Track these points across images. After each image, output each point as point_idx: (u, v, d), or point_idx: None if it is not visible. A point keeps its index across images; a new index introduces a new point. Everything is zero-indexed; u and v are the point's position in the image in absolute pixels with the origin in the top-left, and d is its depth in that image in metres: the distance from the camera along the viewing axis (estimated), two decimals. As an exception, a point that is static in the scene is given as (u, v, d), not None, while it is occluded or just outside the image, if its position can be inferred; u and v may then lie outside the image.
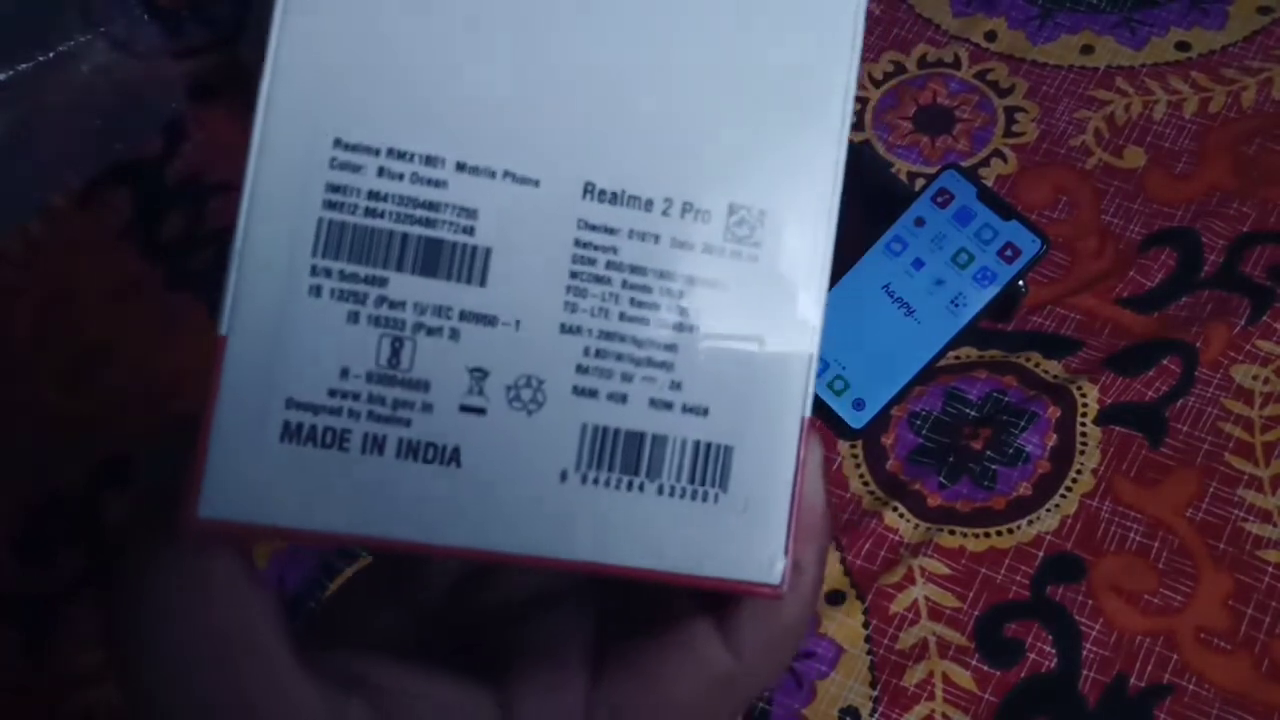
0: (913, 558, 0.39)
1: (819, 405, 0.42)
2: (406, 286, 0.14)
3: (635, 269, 0.15)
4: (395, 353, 0.14)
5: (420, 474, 0.14)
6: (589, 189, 0.15)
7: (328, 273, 0.14)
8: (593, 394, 0.15)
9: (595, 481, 0.15)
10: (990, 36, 0.51)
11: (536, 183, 0.15)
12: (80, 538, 0.41)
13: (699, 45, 0.15)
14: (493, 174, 0.15)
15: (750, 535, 0.15)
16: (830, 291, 0.16)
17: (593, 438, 0.15)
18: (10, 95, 0.45)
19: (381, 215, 0.14)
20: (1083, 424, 0.41)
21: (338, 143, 0.14)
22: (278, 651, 0.15)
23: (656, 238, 0.15)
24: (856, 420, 0.41)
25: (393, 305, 0.14)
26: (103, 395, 0.43)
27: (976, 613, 0.38)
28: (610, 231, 0.15)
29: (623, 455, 0.15)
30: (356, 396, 0.14)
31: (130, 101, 0.48)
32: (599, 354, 0.15)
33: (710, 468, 0.15)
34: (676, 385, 0.15)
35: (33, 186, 0.47)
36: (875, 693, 0.37)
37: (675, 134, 0.15)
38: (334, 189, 0.14)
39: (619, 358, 0.15)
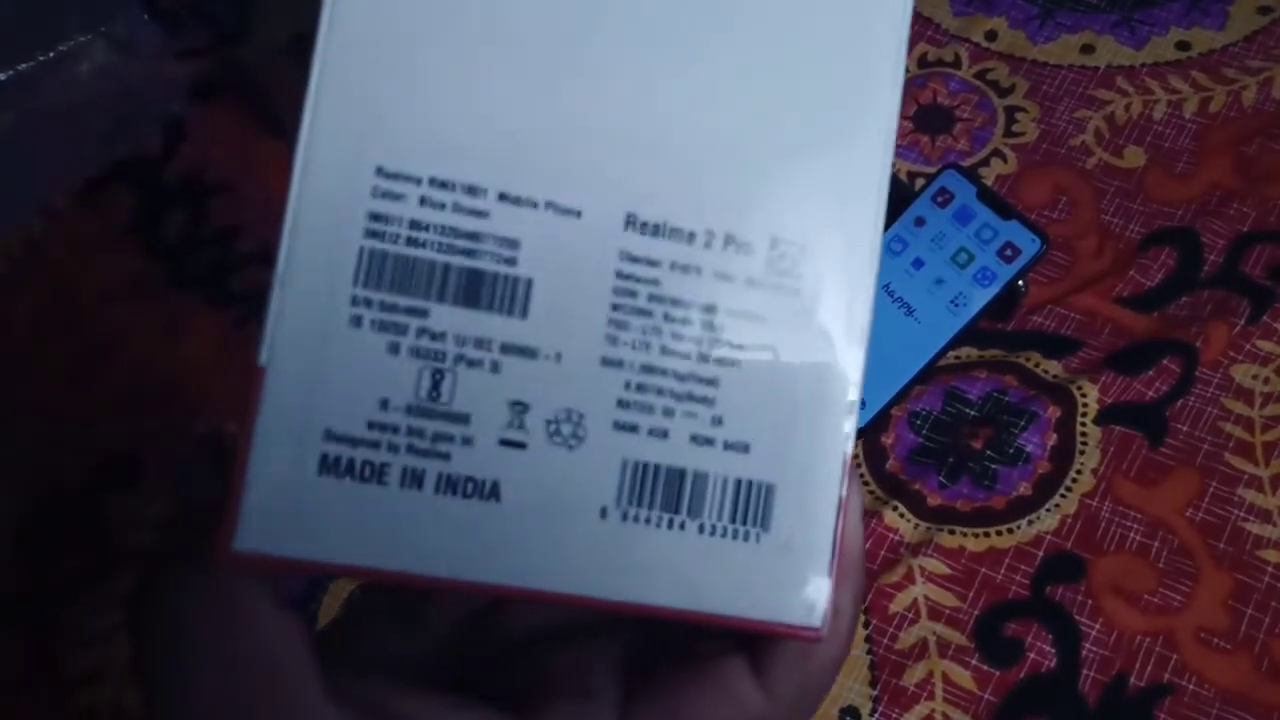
0: (913, 557, 0.39)
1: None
2: (447, 317, 0.14)
3: (677, 302, 0.15)
4: (436, 385, 0.14)
5: (459, 509, 0.14)
6: (631, 220, 0.15)
7: (369, 303, 0.14)
8: (634, 429, 0.15)
9: (635, 519, 0.15)
10: (990, 36, 0.51)
11: (579, 213, 0.15)
12: (82, 538, 0.41)
13: (742, 76, 0.15)
14: (535, 204, 0.15)
15: (792, 577, 0.15)
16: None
17: (633, 474, 0.15)
18: (11, 95, 0.45)
19: (423, 245, 0.14)
20: (1083, 424, 0.41)
21: (380, 171, 0.14)
22: (309, 684, 0.15)
23: (699, 270, 0.15)
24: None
25: (434, 337, 0.14)
26: (104, 395, 0.44)
27: (976, 612, 0.38)
28: (652, 264, 0.15)
29: (664, 492, 0.15)
30: (396, 429, 0.14)
31: (131, 101, 0.48)
32: (640, 388, 0.15)
33: (752, 506, 0.15)
34: (718, 421, 0.15)
35: (33, 186, 0.47)
36: (875, 692, 0.37)
37: (717, 165, 0.15)
38: (376, 218, 0.14)
39: (660, 392, 0.15)
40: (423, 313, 0.14)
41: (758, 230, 0.15)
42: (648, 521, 0.15)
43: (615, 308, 0.15)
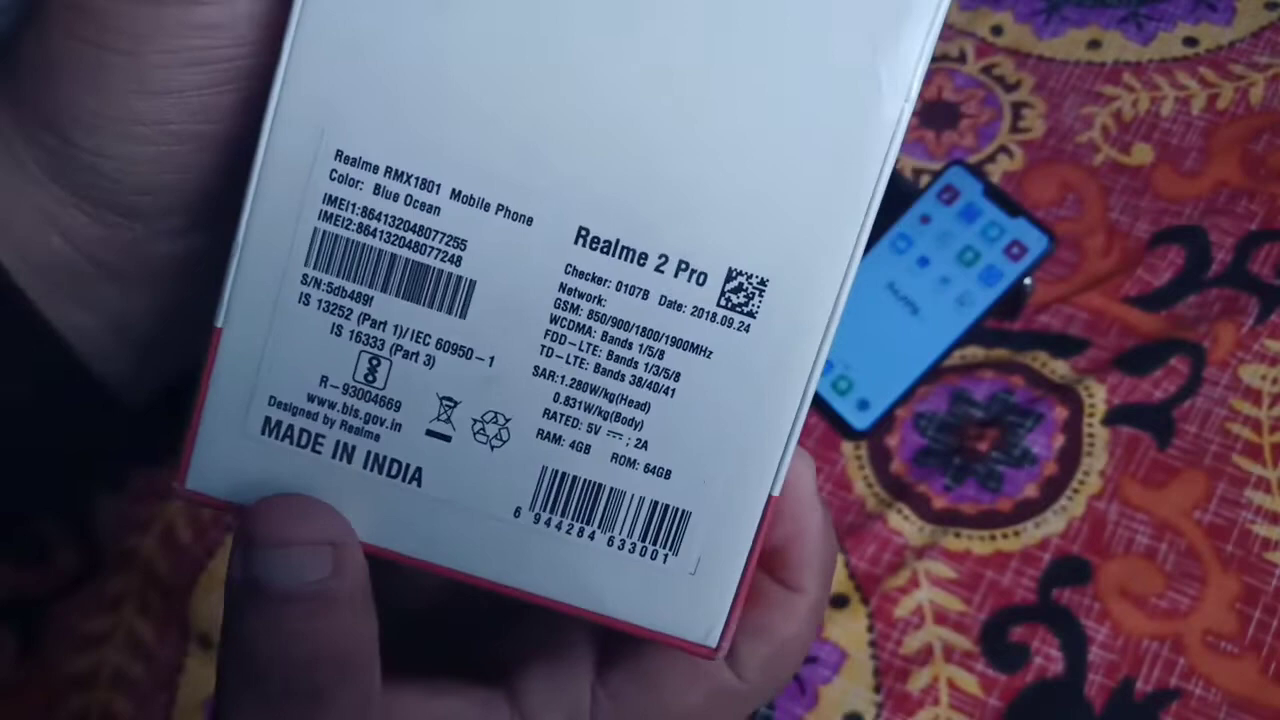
0: (917, 561, 0.38)
1: (823, 405, 0.41)
2: (389, 308, 0.15)
3: (619, 322, 0.15)
4: (372, 370, 0.15)
5: (383, 486, 0.15)
6: (582, 234, 0.15)
7: (317, 283, 0.15)
8: (557, 439, 0.15)
9: (548, 523, 0.15)
10: (996, 31, 0.50)
11: (529, 220, 0.15)
12: (73, 539, 0.40)
13: (724, 97, 0.14)
14: (487, 206, 0.15)
15: (694, 599, 0.16)
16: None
17: (550, 481, 0.15)
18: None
19: (373, 233, 0.15)
20: (1090, 425, 0.40)
21: (339, 154, 0.14)
22: (375, 673, 0.16)
23: (646, 293, 0.15)
24: (861, 421, 0.41)
25: (374, 324, 0.15)
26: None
27: (982, 616, 0.37)
28: (598, 281, 0.15)
29: (578, 503, 0.15)
30: (333, 405, 0.15)
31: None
32: (569, 401, 0.15)
33: (664, 529, 0.15)
34: (642, 444, 0.15)
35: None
36: (879, 698, 0.36)
37: (682, 187, 0.14)
38: (331, 200, 0.14)
39: (588, 408, 0.15)
40: (367, 299, 0.15)
41: (715, 259, 0.15)
42: (559, 527, 0.15)
43: (554, 320, 0.15)
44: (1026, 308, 0.42)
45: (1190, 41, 0.49)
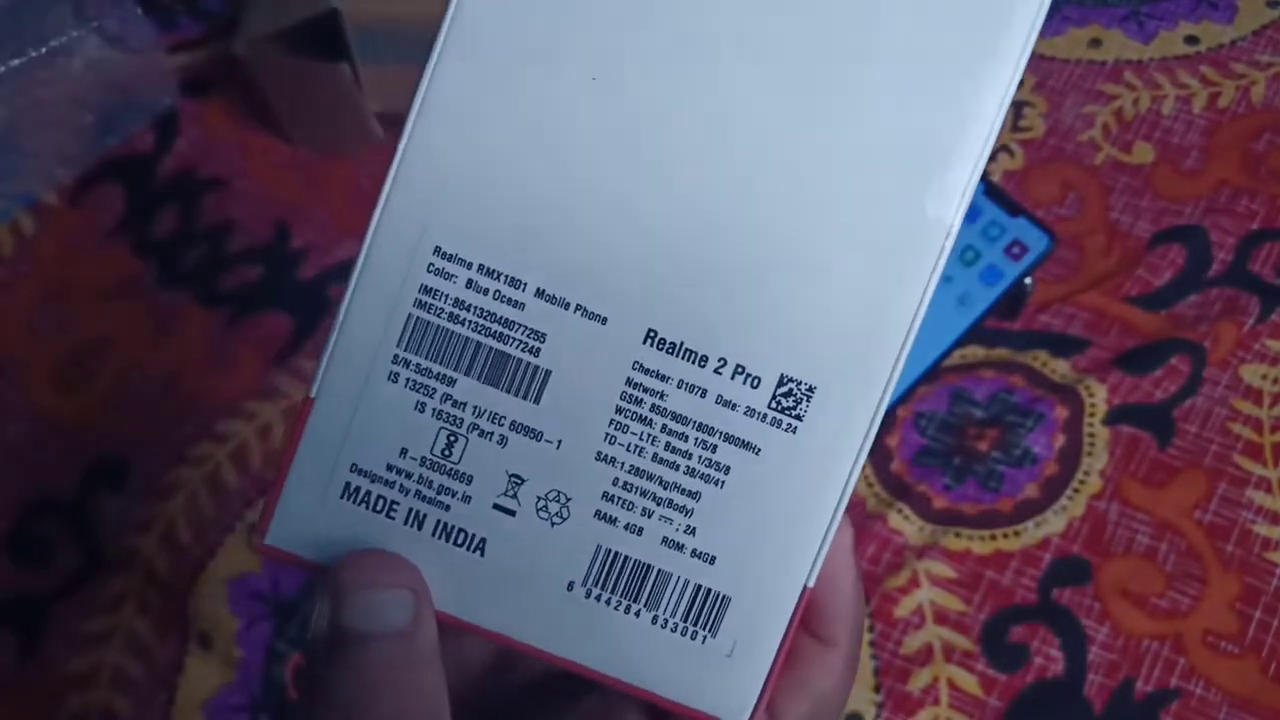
0: (918, 561, 0.38)
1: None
2: (470, 390, 0.16)
3: (678, 417, 0.16)
4: (449, 445, 0.16)
5: (449, 554, 0.16)
6: (650, 335, 0.16)
7: (407, 364, 0.16)
8: (613, 520, 0.16)
9: (598, 599, 0.16)
10: (996, 30, 0.50)
11: (604, 320, 0.16)
12: (73, 538, 0.40)
13: (789, 222, 0.16)
14: (567, 305, 0.16)
15: (728, 679, 0.16)
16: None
17: (604, 560, 0.16)
18: (1, 90, 0.45)
19: (462, 323, 0.16)
20: (1090, 424, 0.40)
21: (437, 250, 0.16)
22: None
23: (704, 392, 0.16)
24: (860, 420, 0.41)
25: (456, 404, 0.16)
26: (95, 394, 0.43)
27: (983, 616, 0.37)
28: (662, 378, 0.16)
29: (627, 581, 0.16)
30: (409, 475, 0.16)
31: (122, 96, 0.47)
32: (626, 486, 0.16)
33: (705, 612, 0.16)
34: (691, 530, 0.16)
35: (24, 182, 0.47)
36: (879, 698, 0.36)
37: (745, 298, 0.16)
38: (426, 291, 0.16)
39: (644, 494, 0.16)
40: (451, 381, 0.16)
41: (769, 366, 0.16)
42: (608, 603, 0.16)
43: (619, 410, 0.16)
44: (1027, 307, 0.42)
45: (1191, 40, 0.49)
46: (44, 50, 0.46)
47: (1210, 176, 0.45)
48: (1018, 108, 0.48)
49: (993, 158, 0.47)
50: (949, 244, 0.16)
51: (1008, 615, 0.37)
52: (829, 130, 0.16)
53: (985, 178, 0.43)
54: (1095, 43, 0.49)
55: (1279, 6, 0.49)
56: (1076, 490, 0.39)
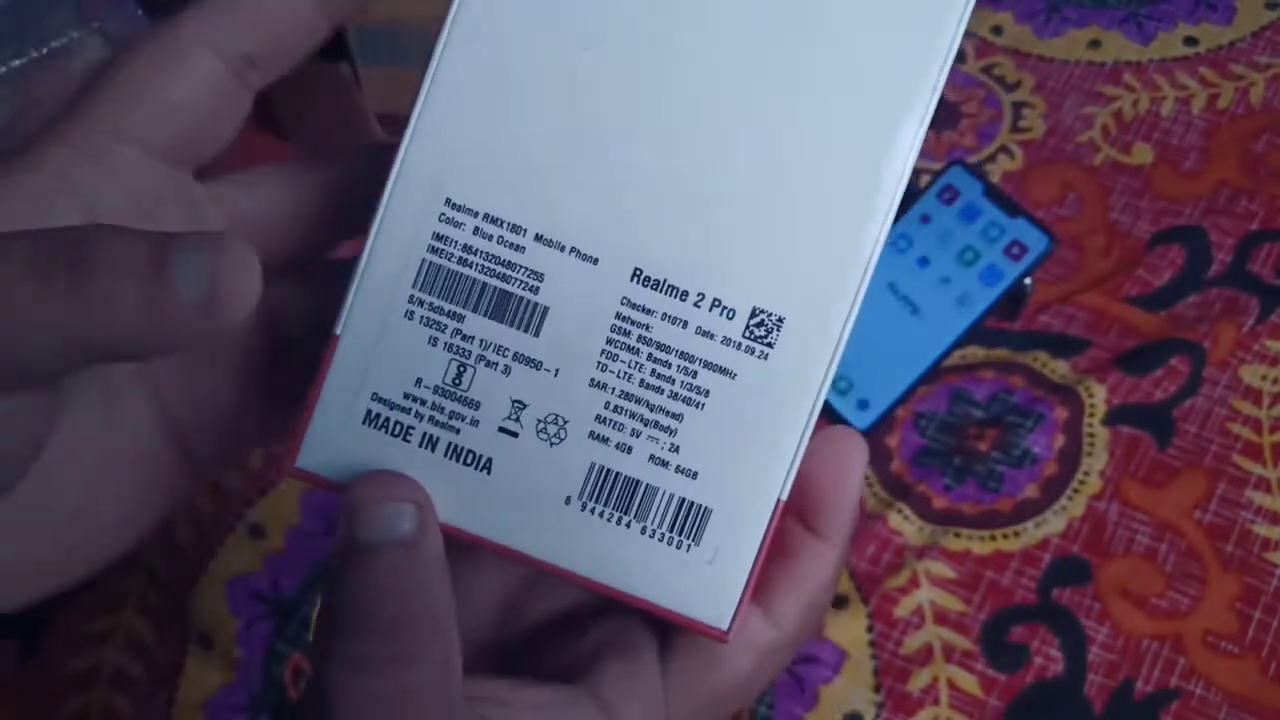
0: (917, 561, 0.38)
1: (823, 406, 0.41)
2: (478, 325, 0.18)
3: (662, 346, 0.18)
4: (459, 375, 0.18)
5: (459, 473, 0.18)
6: (637, 273, 0.18)
7: (421, 303, 0.18)
8: (605, 440, 0.18)
9: (592, 511, 0.18)
10: (997, 30, 0.50)
11: (595, 261, 0.18)
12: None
13: (759, 171, 0.18)
14: (562, 248, 0.18)
15: (711, 585, 0.18)
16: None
17: (597, 476, 0.18)
18: (3, 91, 0.45)
19: (470, 265, 0.18)
20: (1090, 425, 0.40)
21: (448, 202, 0.18)
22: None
23: (685, 323, 0.18)
24: (861, 421, 0.41)
25: (464, 338, 0.18)
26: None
27: (982, 617, 0.37)
28: (647, 312, 0.18)
29: (618, 495, 0.18)
30: (424, 402, 0.18)
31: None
32: (617, 409, 0.18)
33: (689, 522, 0.18)
34: (675, 448, 0.18)
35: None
36: (879, 698, 0.36)
37: (720, 240, 0.18)
38: (439, 238, 0.18)
39: (633, 416, 0.18)
40: (460, 318, 0.18)
41: (743, 299, 0.18)
42: (601, 516, 0.18)
43: (610, 341, 0.18)
44: (1026, 308, 0.42)
45: (1190, 41, 0.49)
46: (45, 51, 0.46)
47: (1209, 177, 0.45)
48: (1017, 109, 0.48)
49: (992, 158, 0.47)
50: (899, 192, 0.18)
51: (1008, 615, 0.37)
52: (796, 93, 0.18)
53: (985, 178, 0.43)
54: (1094, 44, 0.49)
55: (1278, 8, 0.49)
56: (1076, 490, 0.39)
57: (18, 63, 0.45)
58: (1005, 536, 0.39)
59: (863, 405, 0.41)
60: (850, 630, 0.37)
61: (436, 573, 0.17)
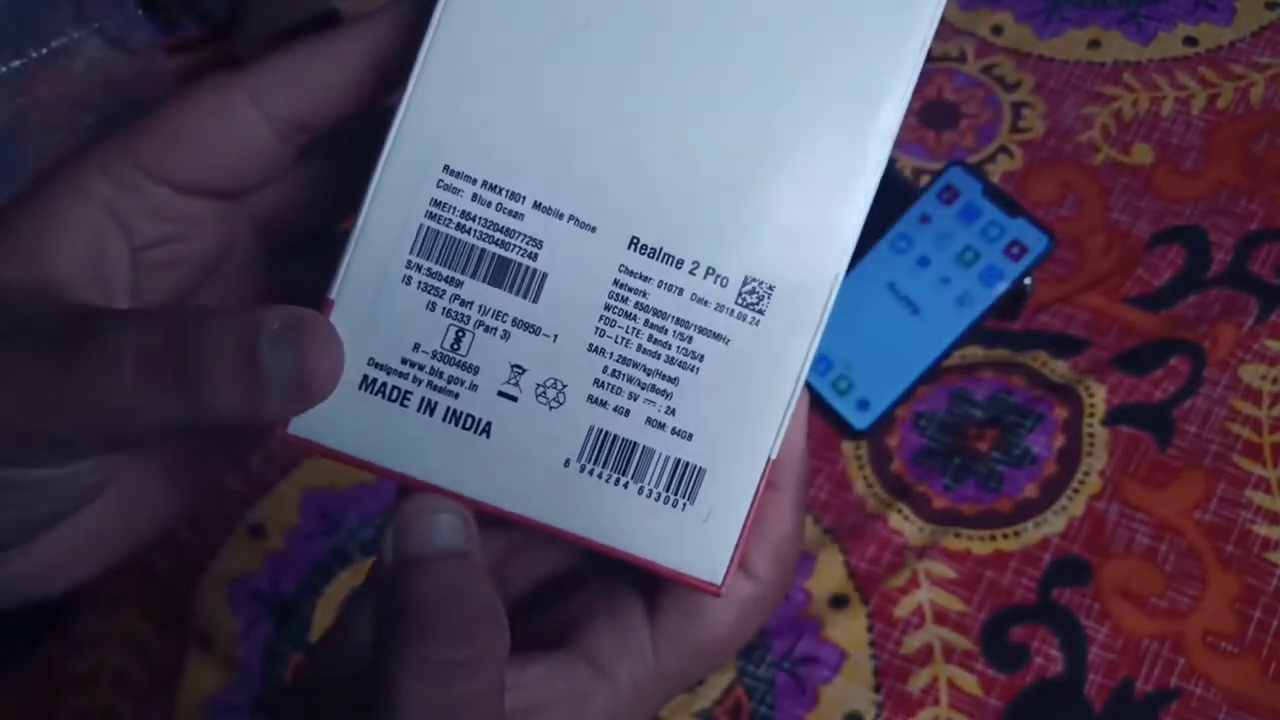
0: (917, 561, 0.38)
1: (823, 405, 0.41)
2: (476, 291, 0.18)
3: (658, 312, 0.18)
4: (458, 340, 0.18)
5: (458, 437, 0.18)
6: (634, 241, 0.18)
7: (418, 268, 0.18)
8: (603, 404, 0.18)
9: (591, 473, 0.18)
10: (997, 30, 0.50)
11: (594, 229, 0.18)
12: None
13: (753, 147, 0.18)
14: (561, 216, 0.18)
15: (705, 542, 0.19)
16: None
17: (595, 438, 0.18)
18: (3, 91, 0.45)
19: (468, 232, 0.18)
20: (1090, 425, 0.40)
21: (446, 168, 0.18)
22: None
23: (681, 290, 0.18)
24: (861, 421, 0.41)
25: (463, 303, 0.18)
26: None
27: (982, 616, 0.37)
28: (644, 279, 0.18)
29: (616, 457, 0.18)
30: (421, 368, 0.18)
31: (123, 97, 0.47)
32: (614, 374, 0.18)
33: (684, 482, 0.19)
34: (671, 411, 0.18)
35: (25, 183, 0.47)
36: (879, 698, 0.36)
37: (717, 210, 0.18)
38: (436, 204, 0.18)
39: (630, 380, 0.18)
40: (458, 283, 0.18)
41: (735, 268, 0.18)
42: (599, 477, 0.18)
43: (608, 307, 0.18)
44: (1026, 308, 0.42)
45: (1190, 41, 0.49)
46: (45, 51, 0.46)
47: (1209, 177, 0.45)
48: (1017, 109, 0.48)
49: (992, 158, 0.47)
50: (880, 167, 0.19)
51: (1007, 615, 0.37)
52: (786, 72, 0.18)
53: (985, 178, 0.43)
54: (1094, 44, 0.49)
55: (1278, 8, 0.49)
56: (1076, 490, 0.39)
57: (18, 63, 0.45)
58: (1005, 536, 0.39)
59: (863, 405, 0.41)
60: (850, 630, 0.37)
61: (485, 576, 0.17)
